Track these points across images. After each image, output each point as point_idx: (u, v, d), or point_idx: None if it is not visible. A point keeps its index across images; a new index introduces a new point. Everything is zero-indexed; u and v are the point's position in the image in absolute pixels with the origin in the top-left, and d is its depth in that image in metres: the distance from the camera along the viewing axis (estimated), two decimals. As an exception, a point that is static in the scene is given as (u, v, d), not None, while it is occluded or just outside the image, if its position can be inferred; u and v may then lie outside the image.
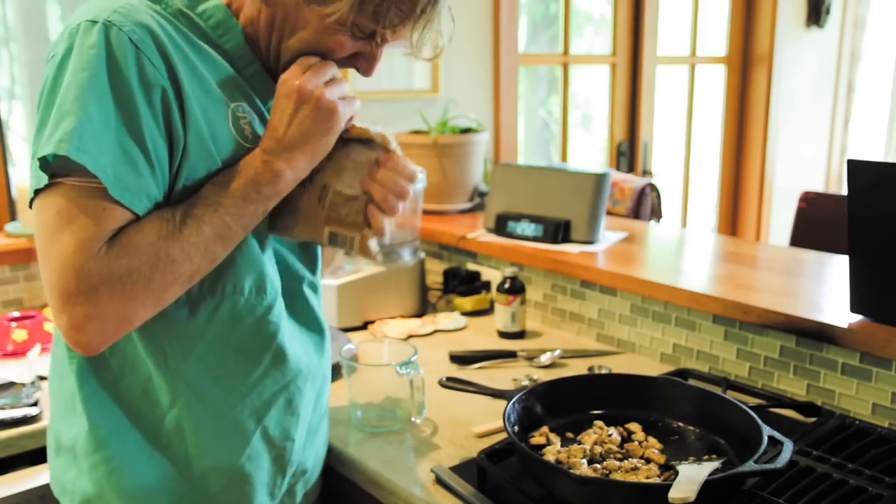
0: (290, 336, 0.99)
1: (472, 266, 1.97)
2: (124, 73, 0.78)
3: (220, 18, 0.90)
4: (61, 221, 0.76)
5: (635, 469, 1.00)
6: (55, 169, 0.76)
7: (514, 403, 1.09)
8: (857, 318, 1.26)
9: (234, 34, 0.91)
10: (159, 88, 0.80)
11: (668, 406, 1.15)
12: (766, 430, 0.98)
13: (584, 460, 1.02)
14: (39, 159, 0.76)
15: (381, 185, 0.93)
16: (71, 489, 0.93)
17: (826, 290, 1.44)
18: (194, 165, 0.84)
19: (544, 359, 1.54)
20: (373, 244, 0.96)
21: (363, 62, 0.94)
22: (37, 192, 0.78)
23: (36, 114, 0.80)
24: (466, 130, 2.25)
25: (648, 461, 1.04)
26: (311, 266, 1.07)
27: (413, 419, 1.25)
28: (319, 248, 1.09)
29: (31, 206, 0.79)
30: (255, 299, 0.92)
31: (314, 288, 1.07)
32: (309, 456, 1.08)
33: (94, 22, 0.78)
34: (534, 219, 1.86)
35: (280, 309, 0.96)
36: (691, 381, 1.31)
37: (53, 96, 0.78)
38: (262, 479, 0.99)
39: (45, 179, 0.77)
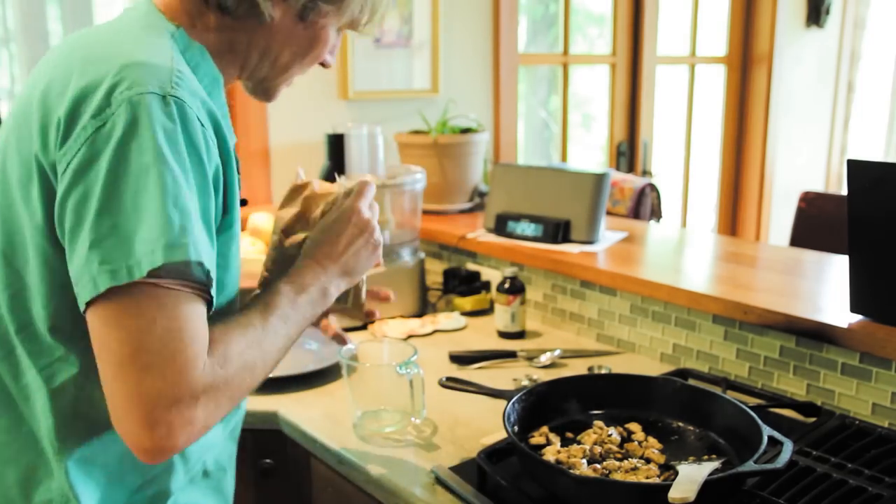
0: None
1: (471, 266, 1.97)
2: (203, 160, 0.75)
3: (207, 69, 0.85)
4: (165, 332, 0.69)
5: (635, 469, 1.00)
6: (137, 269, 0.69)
7: (514, 403, 1.09)
8: (857, 318, 1.26)
9: (216, 80, 0.86)
10: (217, 169, 0.79)
11: (668, 406, 1.15)
12: (766, 430, 0.98)
13: (584, 460, 1.02)
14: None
15: None
16: None
17: (826, 290, 1.44)
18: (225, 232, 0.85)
19: (544, 359, 1.54)
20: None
21: (331, 56, 0.96)
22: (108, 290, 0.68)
23: (89, 184, 0.70)
24: (466, 130, 2.25)
25: (648, 461, 1.04)
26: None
27: (413, 419, 1.25)
28: None
29: (87, 305, 0.70)
30: None
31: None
32: None
33: (163, 96, 0.72)
34: (534, 219, 1.86)
35: None
36: (691, 381, 1.31)
37: (125, 178, 0.70)
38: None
39: (124, 275, 0.68)
